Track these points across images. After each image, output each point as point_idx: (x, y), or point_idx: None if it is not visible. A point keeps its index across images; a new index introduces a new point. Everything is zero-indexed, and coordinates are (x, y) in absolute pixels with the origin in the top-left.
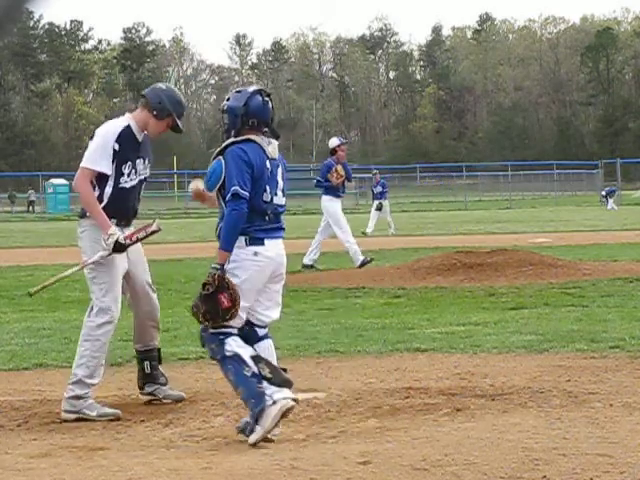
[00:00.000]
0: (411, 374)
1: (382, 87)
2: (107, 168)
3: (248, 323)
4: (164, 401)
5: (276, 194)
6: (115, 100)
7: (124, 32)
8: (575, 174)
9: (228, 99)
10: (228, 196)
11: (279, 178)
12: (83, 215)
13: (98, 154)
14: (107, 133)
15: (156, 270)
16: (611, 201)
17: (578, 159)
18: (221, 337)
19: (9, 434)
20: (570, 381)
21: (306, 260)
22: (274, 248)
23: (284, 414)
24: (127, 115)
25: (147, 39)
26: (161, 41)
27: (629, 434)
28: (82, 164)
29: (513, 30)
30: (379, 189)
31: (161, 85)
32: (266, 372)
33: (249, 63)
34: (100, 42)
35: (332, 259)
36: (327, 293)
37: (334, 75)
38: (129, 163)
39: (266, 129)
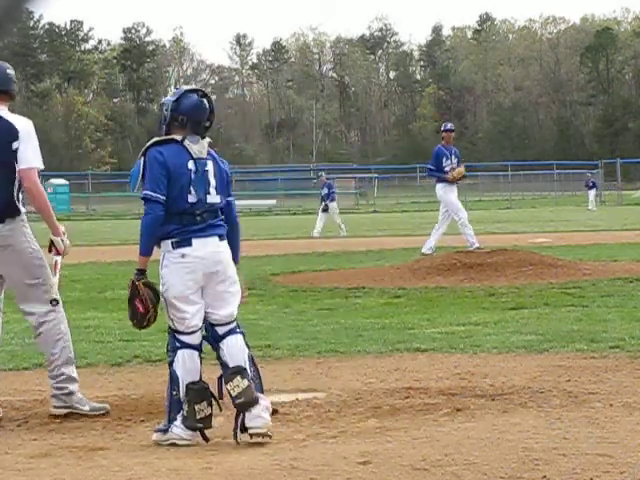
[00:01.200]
0: (411, 374)
1: (382, 87)
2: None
3: (209, 323)
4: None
5: (208, 192)
6: (115, 100)
7: (124, 32)
8: (575, 174)
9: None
10: (143, 200)
11: (210, 176)
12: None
13: (38, 150)
14: (32, 130)
15: (156, 270)
16: (592, 195)
17: (578, 159)
18: (177, 345)
19: (9, 434)
20: (570, 381)
21: (425, 250)
22: (205, 247)
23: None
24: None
25: (147, 39)
26: (161, 41)
27: (629, 434)
28: (29, 164)
29: (513, 30)
30: (325, 191)
31: None
32: (185, 409)
33: (249, 63)
34: (100, 42)
35: (332, 259)
36: (327, 293)
37: (334, 75)
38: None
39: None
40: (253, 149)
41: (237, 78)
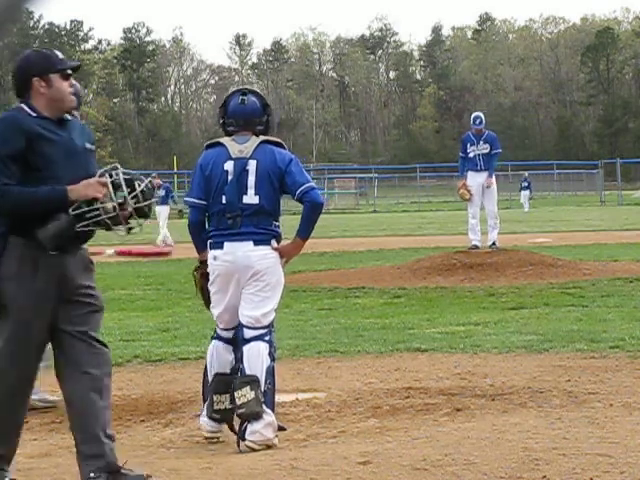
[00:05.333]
0: (411, 374)
1: (382, 87)
2: None
3: (239, 322)
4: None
5: (245, 193)
6: (115, 100)
7: (124, 32)
8: (575, 174)
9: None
10: None
11: (250, 176)
12: None
13: None
14: None
15: (156, 270)
16: (525, 196)
17: (578, 159)
18: (214, 335)
19: None
20: (570, 381)
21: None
22: (236, 251)
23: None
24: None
25: (147, 39)
26: (161, 41)
27: (629, 434)
28: None
29: (513, 30)
30: (162, 193)
31: None
32: (208, 398)
33: (249, 63)
34: (100, 42)
35: (332, 259)
36: (327, 293)
37: (334, 75)
38: None
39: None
40: None
41: (237, 78)
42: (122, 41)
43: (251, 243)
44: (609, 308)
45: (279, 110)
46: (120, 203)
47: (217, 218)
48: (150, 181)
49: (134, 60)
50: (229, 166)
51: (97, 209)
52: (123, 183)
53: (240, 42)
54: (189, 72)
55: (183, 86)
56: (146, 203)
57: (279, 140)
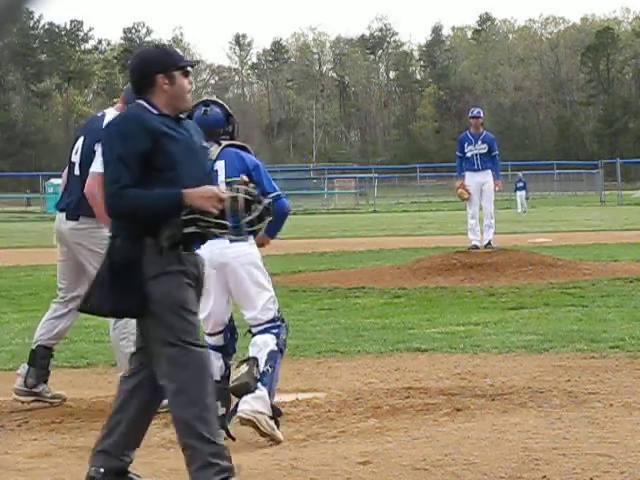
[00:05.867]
0: (411, 374)
1: (382, 87)
2: None
3: None
4: (51, 401)
5: None
6: (115, 100)
7: (124, 32)
8: (575, 174)
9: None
10: None
11: (220, 177)
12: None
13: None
14: None
15: None
16: (522, 197)
17: (578, 159)
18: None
19: (9, 434)
20: (570, 381)
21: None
22: (210, 248)
23: None
24: (112, 109)
25: (147, 39)
26: (161, 41)
27: (629, 434)
28: (98, 169)
29: (513, 30)
30: None
31: None
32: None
33: (249, 63)
34: (100, 42)
35: (332, 259)
36: (327, 293)
37: (334, 75)
38: None
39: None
40: (253, 149)
41: (237, 78)
42: (122, 41)
43: (226, 240)
44: (609, 308)
45: (279, 110)
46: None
47: None
48: (270, 202)
49: None
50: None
51: (209, 221)
52: (242, 205)
53: (240, 42)
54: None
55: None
56: (258, 227)
57: (244, 144)
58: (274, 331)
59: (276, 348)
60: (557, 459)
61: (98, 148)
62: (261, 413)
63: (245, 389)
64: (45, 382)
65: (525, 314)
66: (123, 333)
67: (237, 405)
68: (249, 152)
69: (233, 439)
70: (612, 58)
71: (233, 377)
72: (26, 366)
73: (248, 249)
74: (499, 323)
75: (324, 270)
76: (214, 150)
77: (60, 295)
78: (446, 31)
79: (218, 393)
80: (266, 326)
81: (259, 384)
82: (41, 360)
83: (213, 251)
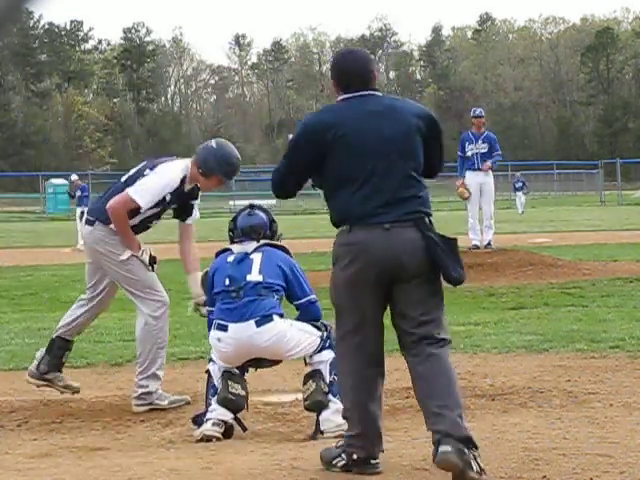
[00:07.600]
0: None
1: (382, 87)
2: (148, 208)
3: None
4: (62, 390)
5: (249, 272)
6: (115, 100)
7: (124, 32)
8: (575, 174)
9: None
10: None
11: (254, 262)
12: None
13: (150, 194)
14: (169, 181)
15: (156, 270)
16: (521, 198)
17: (578, 159)
18: (209, 357)
19: (9, 434)
20: (570, 381)
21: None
22: (241, 333)
23: (206, 438)
24: (188, 162)
25: (147, 39)
26: (161, 41)
27: (629, 434)
28: (130, 193)
29: (513, 30)
30: (79, 194)
31: (213, 143)
32: (220, 387)
33: (249, 63)
34: (100, 42)
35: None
36: (327, 293)
37: None
38: (166, 207)
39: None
40: (253, 149)
41: (237, 78)
42: (122, 41)
43: (253, 324)
44: (609, 308)
45: (279, 110)
46: None
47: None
48: None
49: (134, 60)
50: (230, 258)
51: None
52: None
53: (240, 42)
54: (189, 72)
55: (183, 86)
56: None
57: (283, 245)
58: (326, 344)
59: (333, 354)
60: (557, 459)
61: (148, 172)
62: (342, 425)
63: (320, 406)
64: (59, 371)
65: (525, 314)
66: (155, 331)
67: (317, 423)
68: (289, 254)
69: (244, 430)
70: (612, 58)
71: (304, 395)
72: (43, 351)
73: (274, 328)
74: (499, 323)
75: (324, 270)
76: (252, 245)
77: (87, 292)
78: (446, 31)
79: (238, 376)
80: (327, 343)
81: (329, 396)
82: (57, 350)
83: (241, 335)
